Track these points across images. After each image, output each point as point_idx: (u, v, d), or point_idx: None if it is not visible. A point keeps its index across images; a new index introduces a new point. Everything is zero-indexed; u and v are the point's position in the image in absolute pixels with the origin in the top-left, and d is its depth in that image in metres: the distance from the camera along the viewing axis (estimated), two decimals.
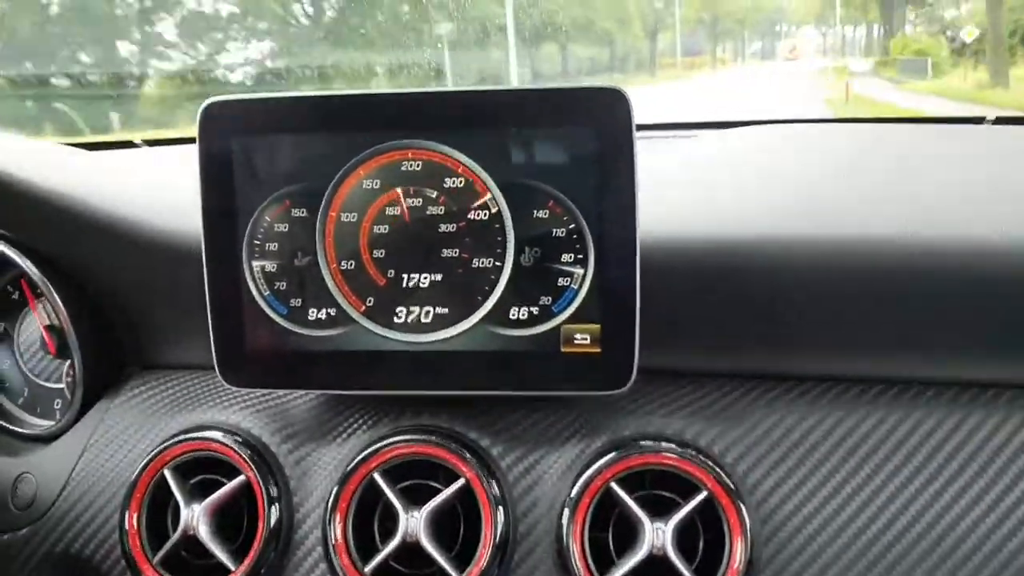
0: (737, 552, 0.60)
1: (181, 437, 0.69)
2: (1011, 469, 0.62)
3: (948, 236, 0.63)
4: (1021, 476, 0.62)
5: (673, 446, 0.63)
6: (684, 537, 0.61)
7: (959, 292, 0.63)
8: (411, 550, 0.62)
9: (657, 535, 0.59)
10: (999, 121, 1.11)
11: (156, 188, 0.81)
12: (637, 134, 0.59)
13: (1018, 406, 0.64)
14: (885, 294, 0.64)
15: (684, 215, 0.69)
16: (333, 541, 0.64)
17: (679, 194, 0.74)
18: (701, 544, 0.63)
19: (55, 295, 0.75)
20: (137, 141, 1.21)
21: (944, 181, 0.75)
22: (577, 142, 0.59)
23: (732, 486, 0.61)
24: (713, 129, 1.09)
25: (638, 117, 0.59)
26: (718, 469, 0.62)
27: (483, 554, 0.62)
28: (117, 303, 0.78)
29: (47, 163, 0.79)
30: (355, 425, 0.69)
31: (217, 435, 0.68)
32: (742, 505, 0.61)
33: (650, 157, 0.87)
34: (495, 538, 0.62)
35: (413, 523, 0.62)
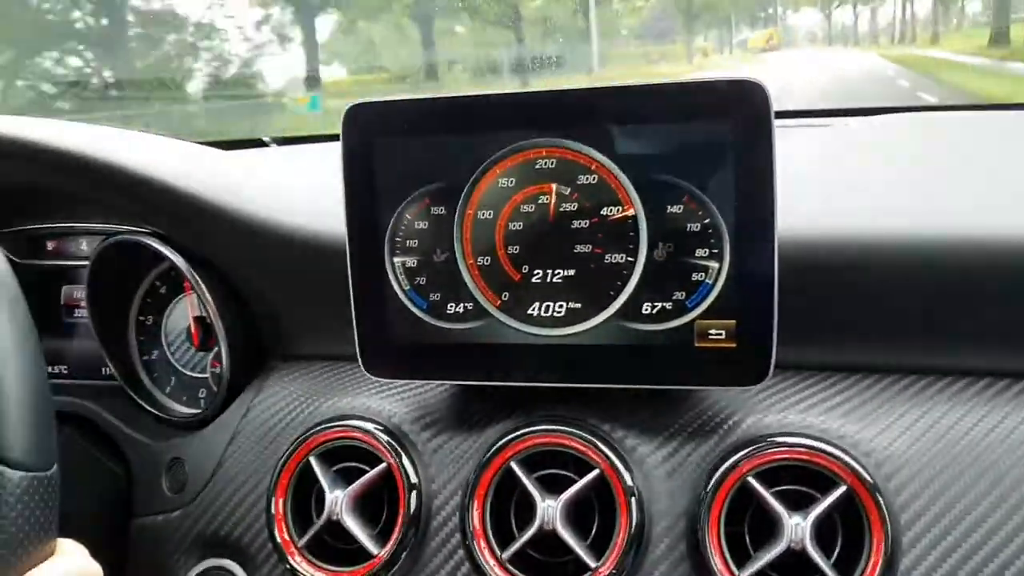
0: (877, 548, 0.60)
1: (325, 425, 0.72)
2: None
3: None
4: None
5: (811, 441, 0.63)
6: (821, 533, 0.61)
7: None
8: (546, 538, 0.64)
9: (796, 530, 0.59)
10: None
11: (290, 186, 0.84)
12: (788, 121, 0.58)
13: None
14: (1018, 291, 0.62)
15: (820, 207, 0.68)
16: (471, 527, 0.66)
17: (813, 186, 0.74)
18: (839, 540, 0.62)
19: (203, 288, 0.80)
20: (267, 140, 1.26)
21: None
22: (712, 135, 0.59)
23: (871, 481, 0.61)
24: (850, 116, 1.07)
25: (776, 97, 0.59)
26: (856, 464, 0.61)
27: (619, 543, 0.63)
28: (259, 297, 0.82)
29: (190, 162, 0.84)
30: (491, 415, 0.71)
31: (359, 423, 0.71)
32: (882, 500, 0.60)
33: (784, 146, 0.86)
34: (631, 528, 0.63)
35: (550, 511, 0.63)
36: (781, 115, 1.11)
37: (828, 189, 0.73)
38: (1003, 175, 0.73)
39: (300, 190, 0.83)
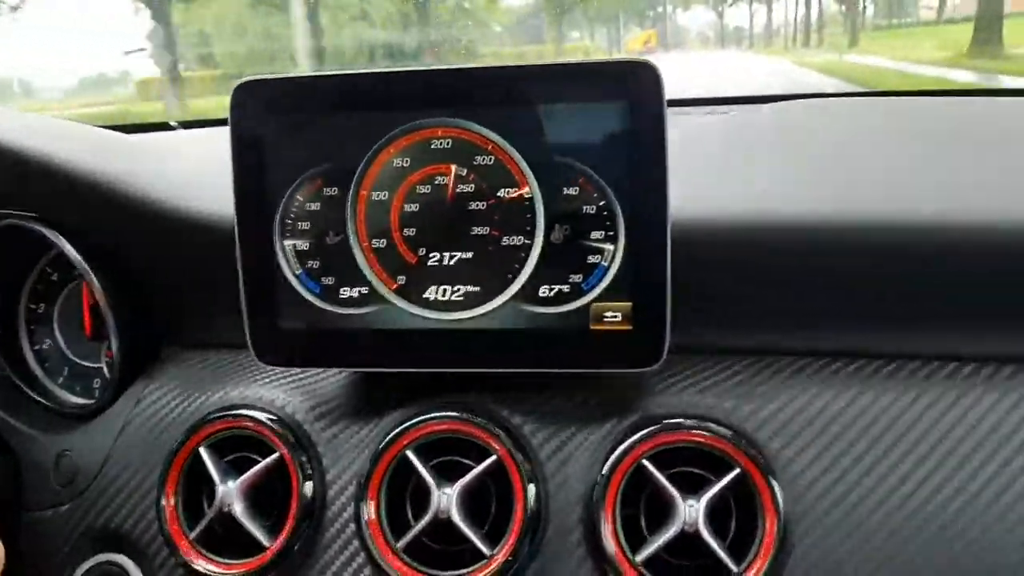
0: (770, 529, 0.60)
1: (216, 415, 0.70)
2: None
3: (988, 215, 0.62)
4: None
5: (705, 423, 0.63)
6: (717, 515, 0.61)
7: (1002, 272, 0.62)
8: (444, 527, 0.63)
9: (689, 512, 0.59)
10: None
11: (188, 169, 0.81)
12: (670, 110, 0.58)
13: None
14: (922, 273, 0.63)
15: (716, 192, 0.68)
16: (366, 518, 0.64)
17: (711, 171, 0.74)
18: (733, 522, 0.63)
19: (93, 276, 0.77)
20: (172, 123, 1.22)
21: (987, 158, 0.73)
22: (606, 117, 0.59)
23: (765, 463, 0.61)
24: (748, 104, 1.07)
25: (670, 92, 0.59)
26: (751, 446, 0.61)
27: (515, 530, 0.62)
28: (154, 284, 0.79)
29: (85, 145, 0.80)
30: (388, 403, 0.69)
31: (251, 413, 0.69)
32: (775, 482, 0.60)
33: (683, 133, 0.86)
34: (526, 514, 0.62)
35: (445, 500, 0.62)
36: (681, 103, 1.13)
37: (725, 174, 0.73)
38: (895, 161, 0.74)
39: (198, 173, 0.80)
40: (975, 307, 0.64)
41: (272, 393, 0.72)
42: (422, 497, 0.63)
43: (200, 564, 0.67)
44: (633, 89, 0.58)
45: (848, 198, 0.66)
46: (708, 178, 0.71)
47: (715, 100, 1.10)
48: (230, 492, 0.66)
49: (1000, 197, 0.64)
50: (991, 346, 0.66)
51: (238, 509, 0.66)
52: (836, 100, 1.00)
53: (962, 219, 0.62)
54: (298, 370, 0.73)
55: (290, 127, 0.63)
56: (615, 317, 0.61)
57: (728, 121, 0.93)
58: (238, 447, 0.70)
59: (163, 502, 0.69)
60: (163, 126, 1.21)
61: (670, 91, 0.58)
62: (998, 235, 0.61)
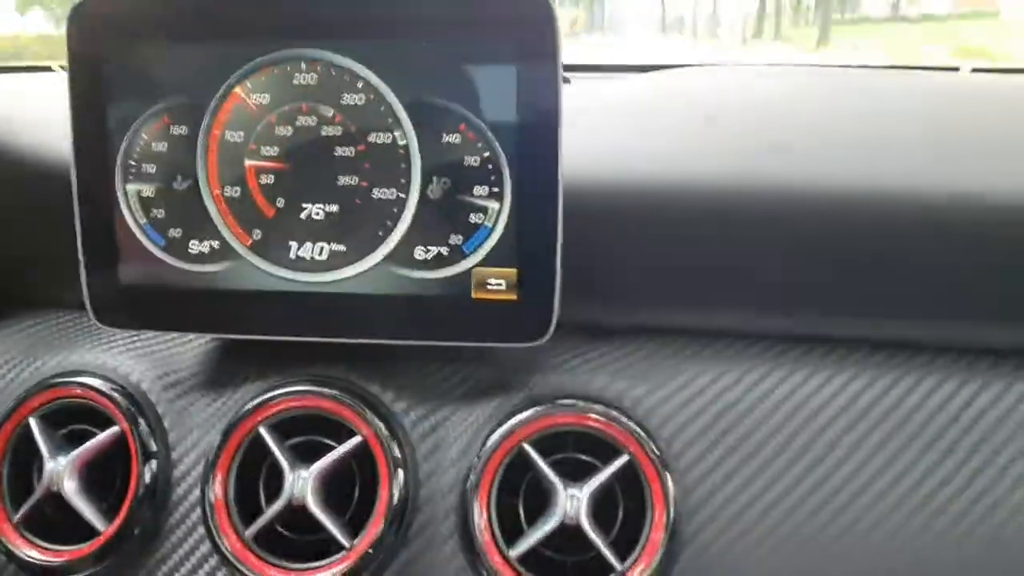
0: (658, 524, 0.54)
1: (50, 382, 0.62)
2: (953, 436, 0.57)
3: (892, 185, 0.57)
4: (957, 443, 0.56)
5: (593, 405, 0.56)
6: (605, 507, 0.55)
7: (899, 246, 0.57)
8: (300, 514, 0.56)
9: (571, 503, 0.53)
10: (976, 71, 1.05)
11: (39, 111, 0.72)
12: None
13: (958, 368, 0.59)
14: (820, 247, 0.57)
15: (611, 158, 0.61)
16: (212, 501, 0.57)
17: (608, 136, 0.67)
18: (621, 513, 0.57)
19: None
20: (55, 66, 1.12)
21: (891, 128, 0.68)
22: (492, 57, 0.52)
23: (656, 450, 0.55)
24: (654, 71, 1.02)
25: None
26: (641, 431, 0.56)
27: (377, 520, 0.55)
28: None
29: None
30: (245, 374, 0.62)
31: (90, 380, 0.61)
32: (666, 472, 0.55)
33: (578, 98, 0.79)
34: (391, 503, 0.55)
35: (300, 483, 0.55)
36: (595, 68, 1.07)
37: (619, 138, 0.66)
38: (798, 130, 0.69)
39: (46, 115, 0.71)
40: (879, 288, 0.59)
41: (116, 359, 0.64)
42: (276, 480, 0.56)
43: (21, 550, 0.59)
44: (525, 29, 0.51)
45: (753, 167, 0.59)
46: (603, 142, 0.64)
47: (624, 67, 1.03)
48: (60, 469, 0.59)
49: (902, 168, 0.59)
50: (902, 331, 0.61)
51: (69, 488, 0.59)
52: (752, 68, 0.95)
53: (857, 190, 0.56)
54: (148, 334, 0.65)
55: (134, 55, 0.54)
56: (499, 285, 0.54)
57: (627, 85, 0.87)
58: (76, 419, 0.62)
59: None
60: (45, 69, 1.11)
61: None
62: (899, 208, 0.56)
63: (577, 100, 0.76)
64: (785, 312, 0.61)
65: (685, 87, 0.87)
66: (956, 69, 1.04)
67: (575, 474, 0.55)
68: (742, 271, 0.60)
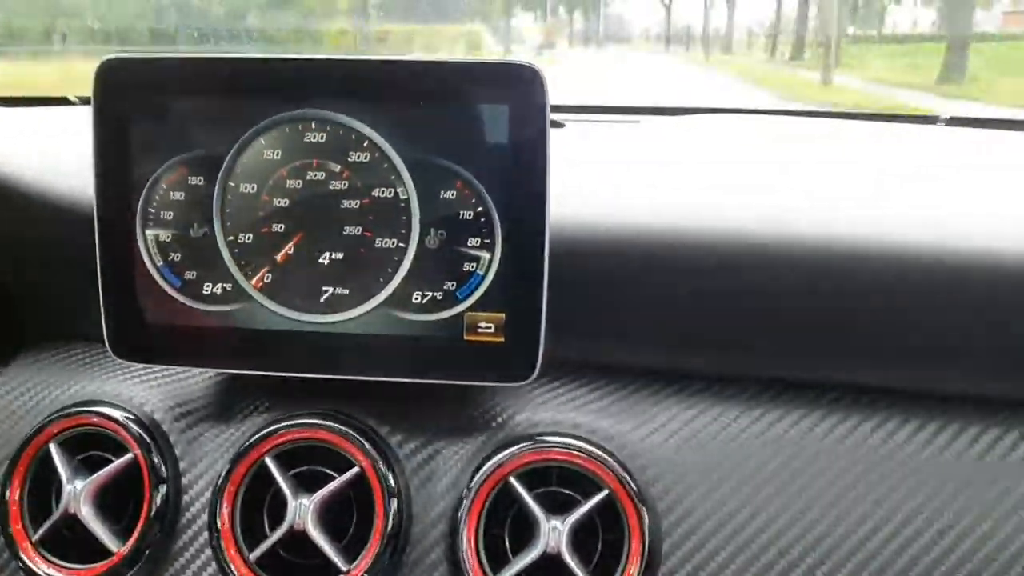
0: (635, 553, 0.58)
1: (70, 411, 0.66)
2: (935, 481, 0.60)
3: (874, 239, 0.61)
4: (941, 488, 0.60)
5: (576, 442, 0.61)
6: (583, 538, 0.59)
7: (880, 298, 0.61)
8: (301, 539, 0.60)
9: (552, 534, 0.57)
10: (953, 122, 1.09)
11: (59, 148, 0.77)
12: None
13: (937, 413, 0.63)
14: (800, 294, 0.61)
15: (605, 204, 0.66)
16: (219, 526, 0.61)
17: (606, 182, 0.72)
18: (600, 545, 0.61)
19: None
20: (72, 98, 1.16)
21: (878, 182, 0.73)
22: (487, 121, 0.56)
23: (634, 487, 0.59)
24: (661, 115, 1.06)
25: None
26: (620, 467, 0.59)
27: (373, 546, 0.59)
28: (12, 269, 0.74)
29: None
30: (252, 406, 0.66)
31: (106, 410, 0.65)
32: (643, 506, 0.59)
33: (589, 142, 0.84)
34: (386, 530, 0.59)
35: (301, 510, 0.59)
36: (591, 109, 1.12)
37: (617, 185, 0.71)
38: (795, 180, 0.73)
39: (66, 152, 0.75)
40: (861, 337, 0.63)
41: (132, 390, 0.68)
42: (279, 507, 0.60)
43: (40, 567, 0.63)
44: (515, 93, 0.56)
45: (737, 217, 0.64)
46: (597, 189, 0.69)
47: (619, 109, 1.08)
48: (77, 493, 0.63)
49: (887, 223, 0.63)
50: (878, 376, 0.65)
51: (85, 511, 0.63)
52: (741, 117, 1.00)
53: (841, 244, 0.61)
54: (163, 368, 0.69)
55: (156, 110, 0.59)
56: (489, 328, 0.59)
57: (636, 131, 0.92)
58: (94, 445, 0.66)
59: (7, 498, 0.64)
60: (62, 101, 1.16)
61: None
62: (873, 261, 0.60)
63: (569, 148, 0.81)
64: (763, 356, 0.65)
65: (670, 135, 0.91)
66: (934, 120, 1.09)
67: (559, 506, 0.59)
68: (720, 316, 0.64)
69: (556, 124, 1.03)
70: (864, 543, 0.58)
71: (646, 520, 0.58)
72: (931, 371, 0.63)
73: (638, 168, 0.77)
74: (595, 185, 0.70)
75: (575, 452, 0.60)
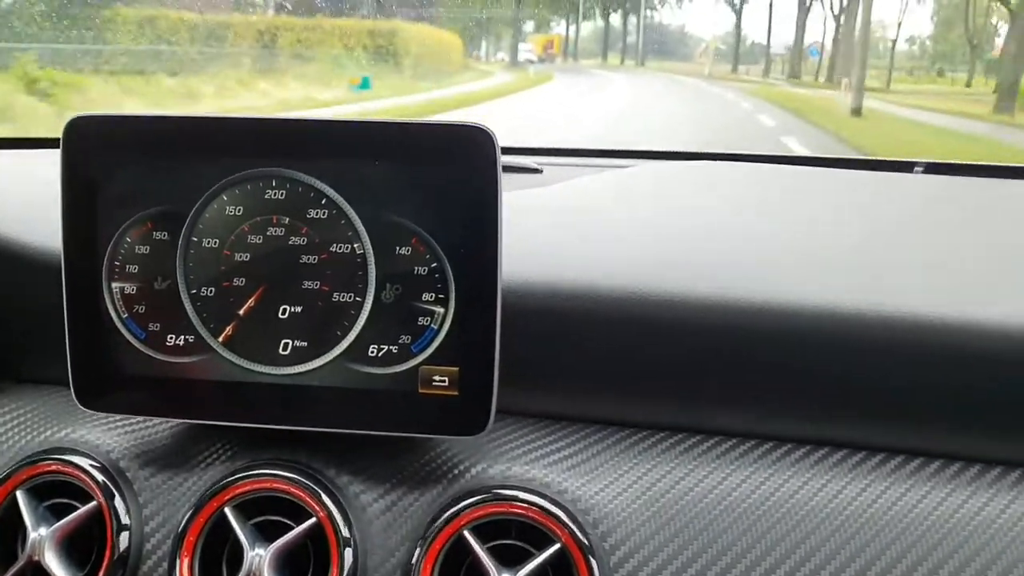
0: None
1: (36, 458, 0.67)
2: (888, 533, 0.60)
3: (833, 299, 0.62)
4: (902, 548, 0.60)
5: (529, 496, 0.61)
6: None
7: (833, 356, 0.62)
8: None
9: None
10: (930, 169, 1.10)
11: (29, 193, 0.79)
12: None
13: (887, 469, 0.63)
14: (753, 351, 0.62)
15: (563, 256, 0.67)
16: (178, 575, 0.62)
17: (570, 231, 0.73)
18: None
19: None
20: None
21: (848, 234, 0.74)
22: (440, 179, 0.58)
23: (585, 541, 0.60)
24: (651, 160, 1.08)
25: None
26: (571, 522, 0.60)
27: None
28: None
29: None
30: (216, 455, 0.67)
31: (72, 458, 0.66)
32: (593, 561, 0.59)
33: (562, 189, 0.86)
34: None
35: (257, 561, 0.60)
36: (574, 153, 1.13)
37: (582, 236, 0.72)
38: (754, 228, 0.74)
39: (37, 198, 0.77)
40: (814, 393, 0.64)
41: (100, 437, 0.69)
42: (238, 556, 0.61)
43: None
44: (467, 154, 0.57)
45: (693, 272, 0.65)
46: (563, 239, 0.70)
47: (593, 152, 1.09)
48: (42, 540, 0.63)
49: (847, 279, 0.64)
50: (833, 431, 0.65)
51: (49, 558, 0.63)
52: (707, 164, 1.01)
53: (794, 300, 0.62)
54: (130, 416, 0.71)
55: (122, 166, 0.61)
56: (442, 382, 0.60)
57: (609, 177, 0.93)
58: (61, 493, 0.67)
59: None
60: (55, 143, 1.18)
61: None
62: (835, 319, 0.61)
63: (541, 195, 0.82)
64: (714, 409, 0.66)
65: (653, 181, 0.93)
66: (910, 166, 1.10)
67: (513, 558, 0.60)
68: (674, 371, 0.65)
69: (533, 170, 1.05)
70: None
71: (596, 574, 0.59)
72: (874, 426, 0.64)
73: (604, 218, 0.79)
74: (557, 234, 0.72)
75: (528, 506, 0.61)
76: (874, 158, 1.16)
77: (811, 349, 0.63)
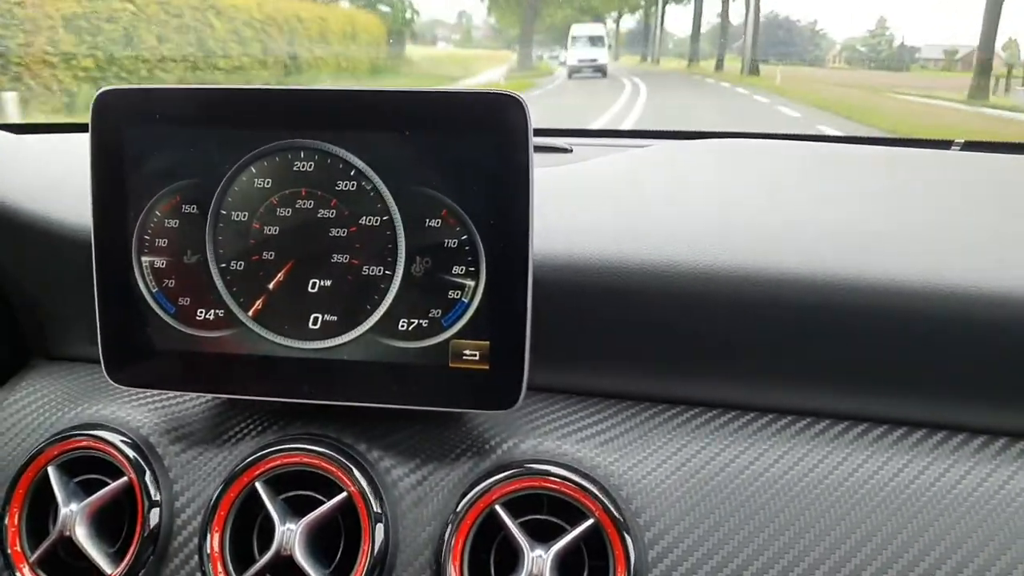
0: None
1: (68, 433, 0.67)
2: (928, 512, 0.59)
3: (862, 271, 0.61)
4: (933, 518, 0.59)
5: (562, 471, 0.60)
6: (569, 566, 0.59)
7: (867, 329, 0.60)
8: (289, 564, 0.60)
9: (536, 562, 0.57)
10: (968, 146, 1.08)
11: (62, 174, 0.79)
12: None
13: (928, 446, 0.62)
14: (791, 325, 0.61)
15: (595, 231, 0.66)
16: (208, 550, 0.61)
17: (604, 208, 0.72)
18: (586, 573, 0.60)
19: None
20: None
21: (874, 210, 0.72)
22: (471, 149, 0.57)
23: (619, 516, 0.59)
24: (672, 139, 1.06)
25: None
26: (605, 497, 0.59)
27: (359, 571, 0.60)
28: (16, 293, 0.76)
29: None
30: (246, 430, 0.67)
31: (103, 433, 0.66)
32: (627, 536, 0.58)
33: (592, 167, 0.85)
34: (372, 555, 0.60)
35: (288, 535, 0.60)
36: (599, 134, 1.12)
37: (614, 212, 0.71)
38: (782, 203, 0.73)
39: (69, 179, 0.77)
40: (849, 366, 0.63)
41: (130, 413, 0.69)
42: (269, 531, 0.61)
43: None
44: (499, 123, 0.56)
45: (727, 246, 0.64)
46: (595, 215, 0.69)
47: (624, 133, 1.08)
48: (72, 515, 0.64)
49: (876, 249, 0.63)
50: (871, 406, 0.64)
51: (80, 533, 0.64)
52: (754, 141, 0.99)
53: (827, 273, 0.60)
54: (161, 391, 0.70)
55: (150, 140, 0.60)
56: (473, 356, 0.59)
57: (638, 155, 0.92)
58: (91, 468, 0.67)
59: (5, 521, 0.66)
60: (83, 127, 1.18)
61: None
62: (866, 291, 0.60)
63: (572, 174, 0.81)
64: (752, 385, 0.65)
65: (678, 159, 0.91)
66: (948, 144, 1.08)
67: (545, 534, 0.59)
68: (708, 344, 0.64)
69: (562, 149, 1.04)
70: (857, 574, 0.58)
71: (631, 550, 0.58)
72: (920, 402, 0.63)
73: (636, 194, 0.78)
74: (591, 212, 0.70)
75: (561, 481, 0.60)
76: (911, 137, 1.14)
77: (848, 321, 0.61)
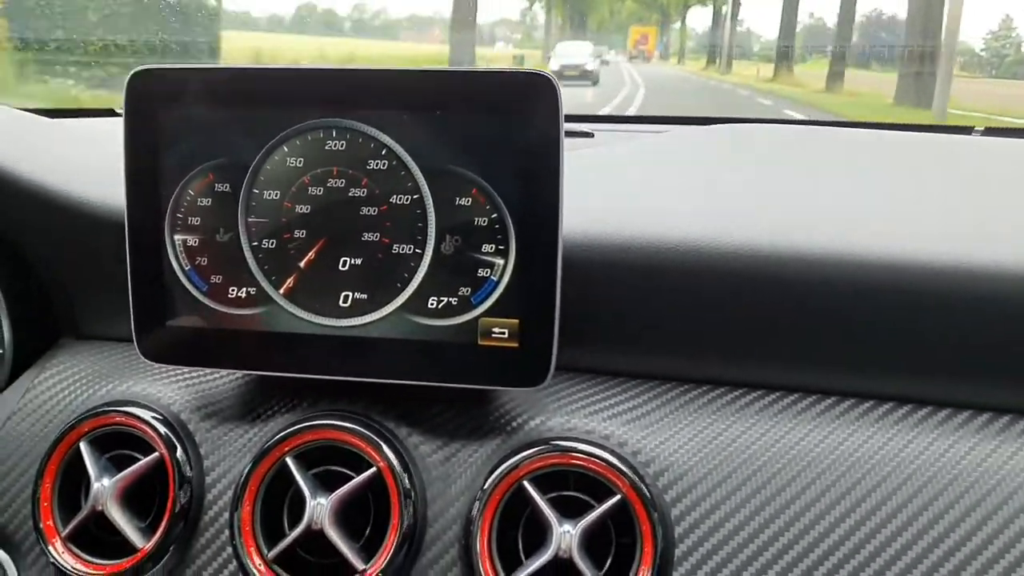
0: (647, 558, 0.58)
1: (100, 410, 0.68)
2: (955, 488, 0.59)
3: (896, 251, 0.61)
4: (960, 494, 0.59)
5: (589, 447, 0.61)
6: (597, 542, 0.60)
7: (889, 309, 0.61)
8: (319, 538, 0.61)
9: (563, 537, 0.58)
10: (989, 132, 1.08)
11: (96, 156, 0.80)
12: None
13: (972, 428, 0.62)
14: (818, 305, 0.62)
15: (623, 213, 0.67)
16: (239, 525, 0.62)
17: (628, 191, 0.73)
18: (613, 549, 0.61)
19: None
20: (119, 109, 1.20)
21: (895, 193, 0.73)
22: (501, 128, 0.58)
23: (647, 492, 0.59)
24: (690, 125, 1.07)
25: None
26: (633, 474, 0.60)
27: (389, 546, 0.60)
28: (48, 272, 0.77)
29: None
30: (277, 407, 0.68)
31: (134, 410, 0.67)
32: (655, 512, 0.59)
33: (615, 151, 0.85)
34: (402, 530, 0.60)
35: (319, 510, 0.60)
36: (619, 120, 1.13)
37: (640, 194, 0.72)
38: (812, 187, 0.73)
39: (102, 161, 0.78)
40: (876, 345, 0.63)
41: (161, 390, 0.70)
42: (299, 506, 0.62)
43: (68, 562, 0.65)
44: (530, 102, 0.57)
45: (753, 226, 0.64)
46: (621, 198, 0.70)
47: (646, 119, 1.09)
48: (104, 490, 0.65)
49: (898, 231, 0.63)
50: (895, 386, 0.64)
51: (112, 508, 0.65)
52: (769, 127, 1.00)
53: (852, 253, 0.61)
54: (191, 368, 0.71)
55: (184, 119, 0.61)
56: (502, 334, 0.60)
57: (659, 140, 0.92)
58: (123, 443, 0.68)
59: (39, 495, 0.67)
60: (108, 112, 1.20)
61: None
62: (887, 270, 0.60)
63: (596, 157, 0.82)
64: (778, 364, 0.65)
65: (697, 144, 0.92)
66: (969, 130, 1.08)
67: (573, 510, 0.60)
68: (735, 324, 0.64)
69: (585, 134, 1.04)
70: (880, 552, 0.58)
71: (658, 526, 0.59)
72: (947, 381, 0.63)
73: (660, 177, 0.78)
74: (617, 194, 0.71)
75: (588, 457, 0.60)
76: (930, 123, 1.14)
77: (875, 301, 0.62)
